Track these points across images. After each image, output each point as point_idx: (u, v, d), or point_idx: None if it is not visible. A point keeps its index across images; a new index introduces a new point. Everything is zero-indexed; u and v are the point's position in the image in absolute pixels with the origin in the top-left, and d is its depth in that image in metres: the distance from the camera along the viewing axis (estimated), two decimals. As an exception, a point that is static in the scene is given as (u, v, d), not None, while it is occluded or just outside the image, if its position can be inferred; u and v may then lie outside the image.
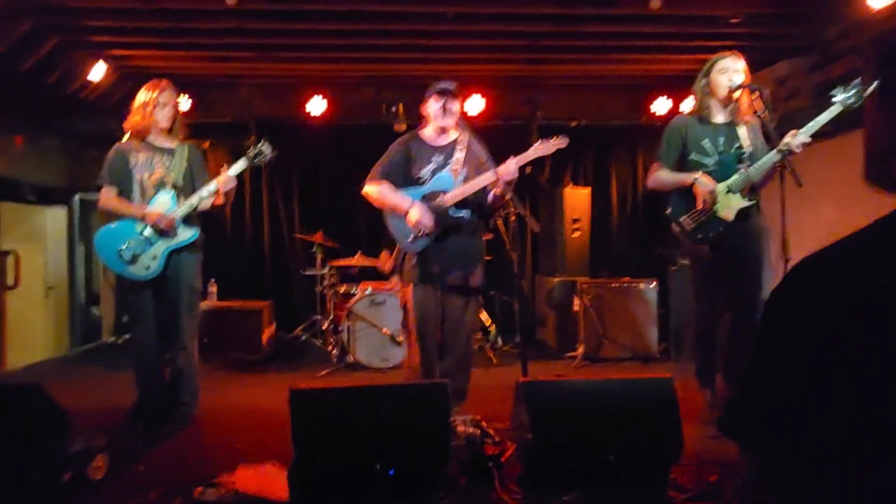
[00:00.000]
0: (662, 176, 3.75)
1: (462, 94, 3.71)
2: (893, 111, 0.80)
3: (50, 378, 5.16)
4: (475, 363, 3.91)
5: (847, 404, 0.70)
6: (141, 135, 3.76)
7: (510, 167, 3.44)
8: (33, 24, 4.71)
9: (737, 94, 3.64)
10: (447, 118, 3.61)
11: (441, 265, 3.58)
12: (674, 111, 6.42)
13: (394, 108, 6.30)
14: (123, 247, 3.63)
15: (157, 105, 3.74)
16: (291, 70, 6.16)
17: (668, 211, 3.77)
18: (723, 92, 3.61)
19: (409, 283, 3.65)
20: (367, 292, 5.44)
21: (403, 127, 6.06)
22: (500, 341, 5.86)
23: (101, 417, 3.86)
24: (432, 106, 3.64)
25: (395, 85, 6.30)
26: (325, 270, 5.82)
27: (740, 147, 3.66)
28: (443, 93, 3.60)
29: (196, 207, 3.70)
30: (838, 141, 5.59)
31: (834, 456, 0.71)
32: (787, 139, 3.43)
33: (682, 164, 3.70)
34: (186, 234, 3.72)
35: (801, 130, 3.43)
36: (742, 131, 3.69)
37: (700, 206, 3.62)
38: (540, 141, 3.54)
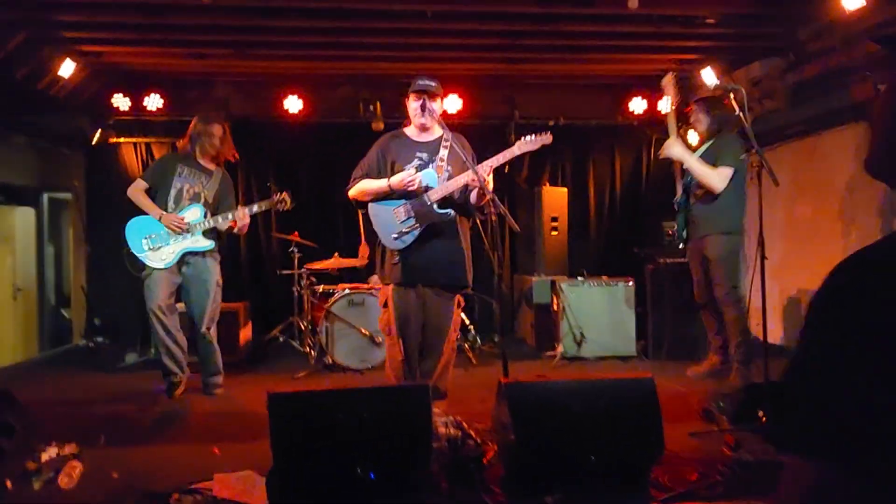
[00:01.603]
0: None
1: (442, 92, 3.68)
2: None
3: (19, 383, 5.03)
4: (456, 363, 3.89)
5: None
6: (186, 152, 4.55)
7: (492, 165, 3.44)
8: (1, 18, 4.58)
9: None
10: (426, 116, 3.59)
11: (424, 264, 3.55)
12: (650, 111, 6.48)
13: (371, 107, 6.25)
14: (152, 235, 4.37)
15: (208, 136, 4.52)
16: (268, 68, 6.08)
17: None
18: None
19: (389, 281, 3.62)
20: (344, 292, 5.39)
21: (381, 126, 6.02)
22: (479, 341, 5.85)
23: (73, 423, 3.77)
24: (411, 104, 3.62)
25: (373, 83, 6.26)
26: (303, 270, 5.75)
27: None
28: (422, 91, 3.58)
29: (214, 227, 4.46)
30: (811, 141, 5.69)
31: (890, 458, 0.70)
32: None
33: None
34: (203, 243, 4.44)
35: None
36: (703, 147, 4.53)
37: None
38: (524, 137, 3.53)
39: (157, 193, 4.45)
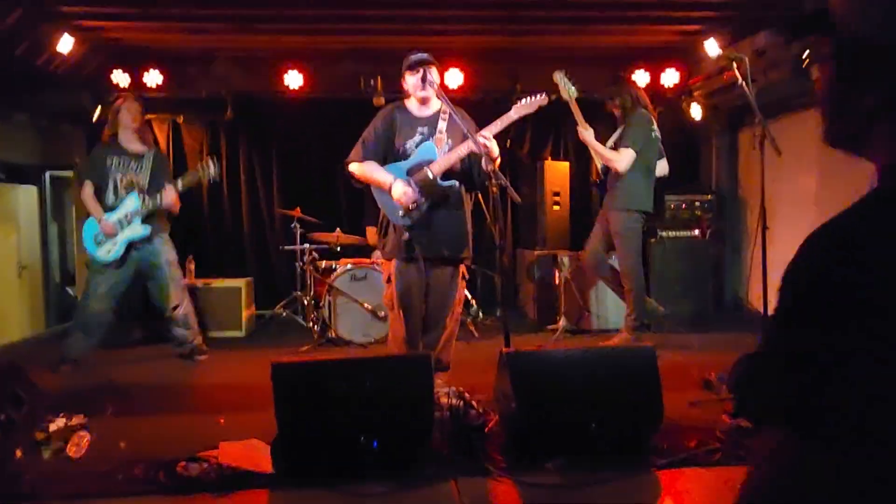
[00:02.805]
0: None
1: (437, 62, 3.65)
2: (844, 75, 0.81)
3: (26, 358, 5.09)
4: (458, 337, 3.91)
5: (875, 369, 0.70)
6: (112, 140, 4.67)
7: (493, 130, 3.43)
8: (-3, -6, 4.55)
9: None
10: (427, 88, 3.56)
11: (428, 237, 3.55)
12: (653, 83, 6.42)
13: (372, 82, 6.21)
14: (96, 234, 4.60)
15: (123, 115, 4.64)
16: (269, 43, 6.04)
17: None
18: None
19: (392, 256, 3.63)
20: (347, 267, 5.41)
21: (382, 101, 5.99)
22: (481, 315, 5.88)
23: (80, 396, 3.82)
24: (409, 79, 3.60)
25: (374, 58, 6.20)
26: (305, 246, 5.77)
27: None
28: (419, 63, 3.55)
29: (151, 211, 4.58)
30: (815, 112, 5.64)
31: (866, 426, 0.72)
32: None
33: None
34: (139, 230, 4.59)
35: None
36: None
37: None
38: (520, 101, 3.51)
39: (103, 189, 4.62)
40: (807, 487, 0.75)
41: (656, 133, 4.80)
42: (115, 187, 4.61)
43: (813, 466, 0.75)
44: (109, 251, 4.58)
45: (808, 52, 0.85)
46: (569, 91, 4.56)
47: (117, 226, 4.56)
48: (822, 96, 0.86)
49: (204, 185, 5.98)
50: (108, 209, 4.59)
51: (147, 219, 4.59)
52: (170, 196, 4.57)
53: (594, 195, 7.11)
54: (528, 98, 3.51)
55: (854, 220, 0.79)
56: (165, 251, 4.70)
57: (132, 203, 4.58)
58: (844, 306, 0.74)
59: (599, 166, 4.93)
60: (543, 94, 3.52)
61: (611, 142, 4.78)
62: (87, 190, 4.65)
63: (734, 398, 0.81)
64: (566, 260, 5.69)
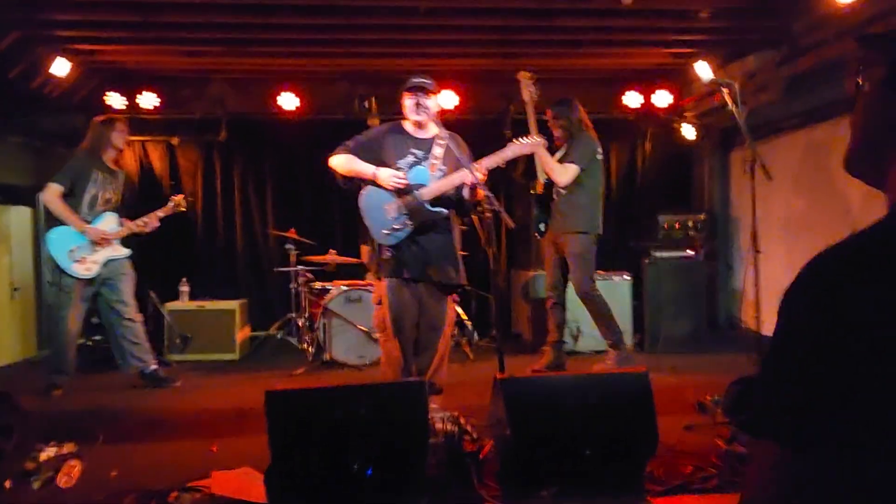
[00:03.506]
0: None
1: (437, 89, 3.69)
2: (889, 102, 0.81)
3: (18, 381, 5.04)
4: (452, 358, 3.91)
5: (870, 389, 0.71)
6: (94, 154, 4.63)
7: (487, 165, 3.45)
8: (-7, 18, 4.57)
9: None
10: (420, 113, 3.59)
11: (418, 261, 3.56)
12: (645, 105, 6.48)
13: (367, 103, 6.24)
14: (75, 247, 4.47)
15: (116, 136, 4.66)
16: (263, 65, 6.08)
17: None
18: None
19: (382, 276, 3.63)
20: (342, 289, 5.40)
21: (377, 122, 6.01)
22: (476, 336, 5.86)
23: (72, 422, 3.78)
24: (406, 101, 3.62)
25: (369, 79, 6.25)
26: (300, 268, 5.76)
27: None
28: (416, 88, 3.58)
29: (131, 232, 4.67)
30: (806, 133, 5.70)
31: (866, 445, 0.72)
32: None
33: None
34: (122, 251, 4.66)
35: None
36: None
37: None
38: (518, 140, 3.55)
39: (70, 196, 4.49)
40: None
41: (601, 155, 4.82)
42: (93, 201, 4.57)
43: (807, 484, 0.76)
44: (89, 269, 4.50)
45: (859, 64, 0.84)
46: (530, 94, 4.60)
47: (109, 239, 4.55)
48: (857, 125, 0.86)
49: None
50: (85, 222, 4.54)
51: (122, 239, 4.67)
52: (153, 226, 4.71)
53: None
54: (526, 139, 3.56)
55: (859, 246, 0.80)
56: (129, 266, 4.72)
57: (111, 222, 4.60)
58: (843, 331, 0.75)
59: (543, 181, 4.91)
60: (541, 137, 3.58)
61: (552, 160, 4.72)
62: (56, 192, 4.48)
63: (730, 421, 0.81)
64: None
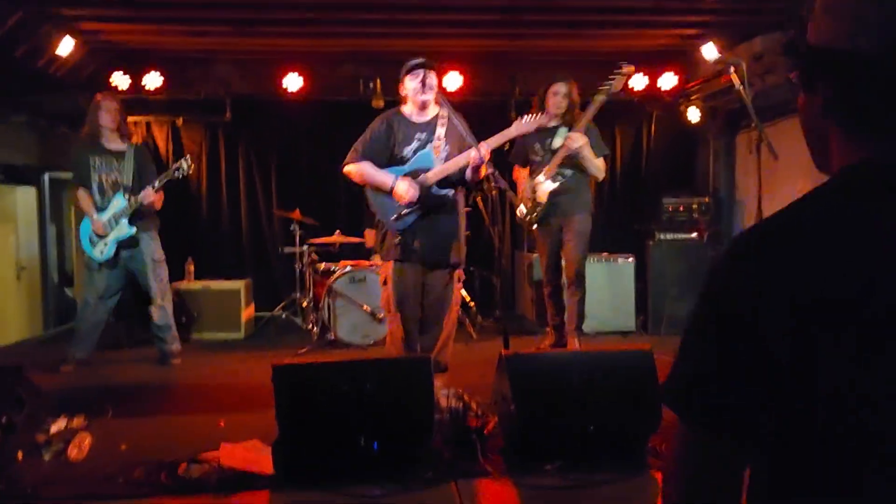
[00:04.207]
0: (520, 174, 4.81)
1: (438, 66, 3.68)
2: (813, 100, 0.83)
3: (25, 359, 5.09)
4: (455, 339, 3.93)
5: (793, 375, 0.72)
6: (93, 139, 4.68)
7: (492, 145, 3.45)
8: (-2, -4, 4.56)
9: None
10: (426, 93, 3.58)
11: (423, 242, 3.58)
12: (651, 87, 6.46)
13: (371, 85, 6.23)
14: (91, 235, 4.71)
15: (102, 112, 4.64)
16: (268, 46, 6.05)
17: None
18: (552, 108, 4.58)
19: (389, 259, 3.65)
20: (346, 269, 5.43)
21: (381, 103, 6.00)
22: (479, 317, 5.90)
23: (81, 397, 3.83)
24: (409, 83, 3.61)
25: (374, 61, 6.22)
26: (304, 248, 5.78)
27: (551, 144, 4.61)
28: (419, 67, 3.57)
29: (136, 208, 4.61)
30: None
31: (781, 433, 0.74)
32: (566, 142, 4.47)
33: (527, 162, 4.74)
34: (125, 230, 4.65)
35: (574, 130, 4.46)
36: (563, 131, 4.59)
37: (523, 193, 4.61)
38: (521, 118, 3.54)
39: (90, 189, 4.69)
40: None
41: None
42: (102, 187, 4.67)
43: (702, 462, 0.79)
44: (102, 251, 4.66)
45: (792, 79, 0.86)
46: (607, 90, 4.43)
47: (107, 226, 4.62)
48: (804, 129, 0.88)
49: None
50: (100, 209, 4.66)
51: (133, 218, 4.63)
52: (148, 196, 4.59)
53: (592, 198, 7.17)
54: (530, 116, 3.54)
55: (757, 226, 0.81)
56: (151, 249, 4.74)
57: (119, 203, 4.64)
58: (711, 310, 0.77)
59: (553, 171, 4.54)
60: (544, 114, 3.57)
61: (597, 160, 4.59)
62: (80, 192, 4.73)
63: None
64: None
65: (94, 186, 4.65)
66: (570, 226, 4.65)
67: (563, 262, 4.75)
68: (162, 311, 4.80)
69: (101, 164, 4.65)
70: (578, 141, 4.42)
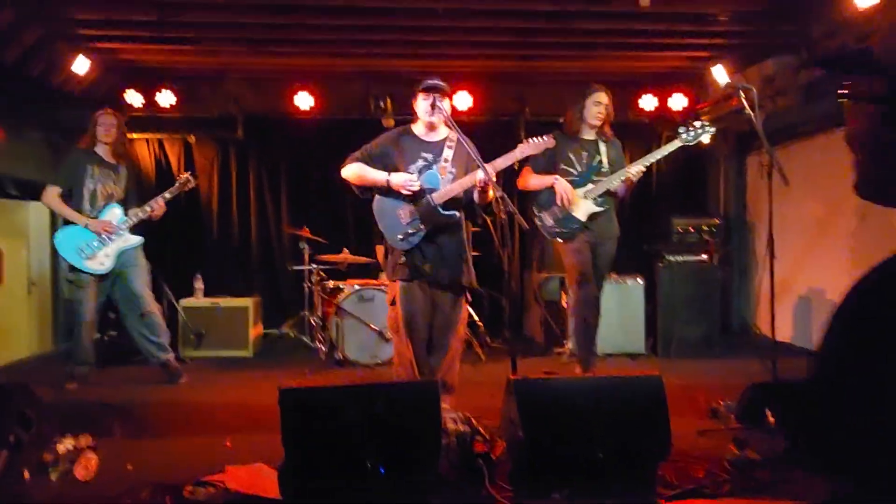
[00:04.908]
0: (529, 178, 4.45)
1: (451, 91, 3.69)
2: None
3: (34, 375, 5.10)
4: (463, 360, 3.91)
5: None
6: (90, 149, 4.69)
7: (497, 167, 3.46)
8: (17, 15, 4.64)
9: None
10: (435, 115, 3.60)
11: (430, 263, 3.58)
12: (661, 108, 6.47)
13: (382, 103, 6.27)
14: (84, 245, 4.51)
15: (102, 127, 4.69)
16: (280, 64, 6.12)
17: (535, 206, 4.47)
18: (592, 119, 4.41)
19: (396, 278, 3.65)
20: (355, 288, 5.43)
21: (392, 122, 6.04)
22: (488, 338, 5.87)
23: (87, 415, 3.82)
24: (420, 103, 3.64)
25: (385, 80, 6.27)
26: (313, 266, 5.79)
27: (600, 162, 4.40)
28: (431, 89, 3.59)
29: (141, 221, 4.67)
30: (823, 139, 5.66)
31: None
32: (628, 168, 4.31)
33: (553, 172, 4.38)
34: (134, 240, 4.67)
35: (639, 161, 4.35)
36: (603, 148, 4.42)
37: (559, 203, 4.31)
38: (526, 140, 3.55)
39: (70, 195, 4.59)
40: None
41: None
42: (94, 196, 4.60)
43: None
44: (103, 263, 4.54)
45: (847, 90, 0.83)
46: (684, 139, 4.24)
47: (116, 230, 4.56)
48: (861, 139, 0.85)
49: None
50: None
51: (132, 228, 4.65)
52: (160, 208, 4.67)
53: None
54: (536, 139, 3.54)
55: None
56: (141, 257, 4.74)
57: (115, 215, 4.60)
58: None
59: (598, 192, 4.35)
60: (550, 137, 3.57)
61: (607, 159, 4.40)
62: (55, 192, 4.59)
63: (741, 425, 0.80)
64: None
65: (86, 194, 4.58)
66: (602, 250, 4.44)
67: None
68: (156, 315, 4.76)
69: (99, 174, 4.64)
70: (639, 175, 4.30)
